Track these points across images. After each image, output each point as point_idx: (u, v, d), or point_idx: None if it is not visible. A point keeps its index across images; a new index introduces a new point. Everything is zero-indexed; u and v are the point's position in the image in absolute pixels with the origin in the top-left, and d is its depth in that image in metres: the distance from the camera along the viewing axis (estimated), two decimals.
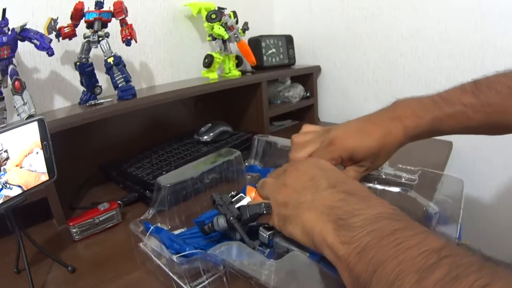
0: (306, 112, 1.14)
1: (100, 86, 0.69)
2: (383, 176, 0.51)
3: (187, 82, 0.89)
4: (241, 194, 0.44)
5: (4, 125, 0.56)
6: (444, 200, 0.44)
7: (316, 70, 1.14)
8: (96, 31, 0.64)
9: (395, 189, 0.49)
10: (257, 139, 0.66)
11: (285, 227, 0.35)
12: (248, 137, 0.83)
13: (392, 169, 0.51)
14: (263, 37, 1.01)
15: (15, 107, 0.55)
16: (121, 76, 0.67)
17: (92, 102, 0.68)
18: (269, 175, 0.44)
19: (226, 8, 0.90)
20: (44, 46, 0.57)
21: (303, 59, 1.17)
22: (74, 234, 0.52)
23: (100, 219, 0.53)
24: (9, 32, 0.54)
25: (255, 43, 1.00)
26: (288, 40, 1.09)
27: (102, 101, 0.68)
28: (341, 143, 0.44)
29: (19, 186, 0.40)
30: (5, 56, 0.54)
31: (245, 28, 0.95)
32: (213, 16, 0.85)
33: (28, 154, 0.40)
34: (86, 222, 0.52)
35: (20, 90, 0.55)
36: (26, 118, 0.54)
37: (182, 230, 0.48)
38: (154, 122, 0.88)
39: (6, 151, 0.38)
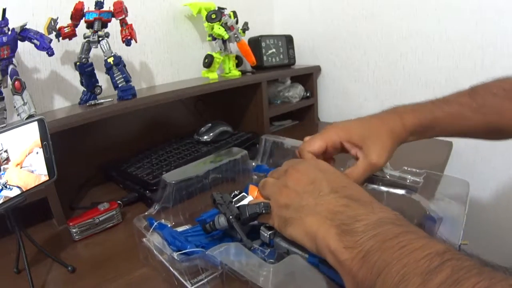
0: (306, 112, 1.14)
1: (100, 86, 0.69)
2: (388, 177, 0.51)
3: (187, 82, 0.89)
4: (244, 193, 0.44)
5: (4, 125, 0.56)
6: (448, 203, 0.44)
7: (316, 70, 1.14)
8: (96, 31, 0.64)
9: (400, 192, 0.49)
10: (264, 139, 0.65)
11: (285, 229, 0.35)
12: (248, 137, 0.83)
13: (397, 171, 0.51)
14: (263, 37, 1.01)
15: (15, 107, 0.55)
16: (121, 76, 0.67)
17: (92, 102, 0.68)
18: (270, 175, 0.44)
19: (226, 8, 0.90)
20: (44, 46, 0.57)
21: (303, 59, 1.17)
22: (74, 234, 0.52)
23: (100, 219, 0.53)
24: (9, 32, 0.54)
25: (255, 43, 1.00)
26: (288, 40, 1.09)
27: (102, 101, 0.68)
28: (339, 123, 0.50)
29: (19, 187, 0.40)
30: (5, 56, 0.54)
31: (245, 28, 0.95)
32: (213, 16, 0.85)
33: (28, 154, 0.40)
34: (86, 222, 0.52)
35: (20, 90, 0.55)
36: (26, 118, 0.54)
37: (186, 227, 0.48)
38: (154, 122, 0.88)
39: (6, 151, 0.38)
